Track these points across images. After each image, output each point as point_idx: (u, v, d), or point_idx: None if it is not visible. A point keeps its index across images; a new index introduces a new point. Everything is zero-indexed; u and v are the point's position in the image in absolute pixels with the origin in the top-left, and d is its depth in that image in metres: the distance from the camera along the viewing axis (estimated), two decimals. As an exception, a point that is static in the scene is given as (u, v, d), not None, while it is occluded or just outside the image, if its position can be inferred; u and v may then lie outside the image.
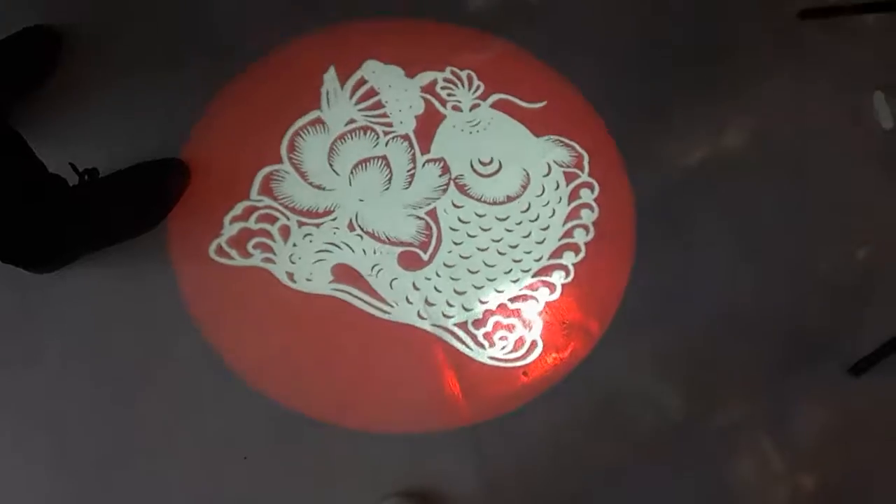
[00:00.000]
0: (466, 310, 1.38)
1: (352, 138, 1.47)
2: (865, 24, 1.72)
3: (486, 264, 1.41)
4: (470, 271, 1.41)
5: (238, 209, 1.39)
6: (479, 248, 1.43)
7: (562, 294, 1.41)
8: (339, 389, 1.31)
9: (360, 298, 1.36)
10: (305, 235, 1.39)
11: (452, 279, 1.40)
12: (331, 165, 1.44)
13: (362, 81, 1.51)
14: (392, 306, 1.36)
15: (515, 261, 1.42)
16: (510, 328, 1.38)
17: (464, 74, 1.54)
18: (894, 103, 1.62)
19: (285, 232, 1.39)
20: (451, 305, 1.38)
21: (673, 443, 1.35)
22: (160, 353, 1.30)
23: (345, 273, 1.37)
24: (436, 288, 1.39)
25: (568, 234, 1.45)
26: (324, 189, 1.43)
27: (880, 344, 1.39)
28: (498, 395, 1.34)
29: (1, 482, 1.22)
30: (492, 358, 1.36)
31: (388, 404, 1.32)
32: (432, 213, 1.44)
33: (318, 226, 1.40)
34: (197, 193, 1.39)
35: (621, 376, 1.39)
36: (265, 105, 1.47)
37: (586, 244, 1.45)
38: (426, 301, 1.38)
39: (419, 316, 1.37)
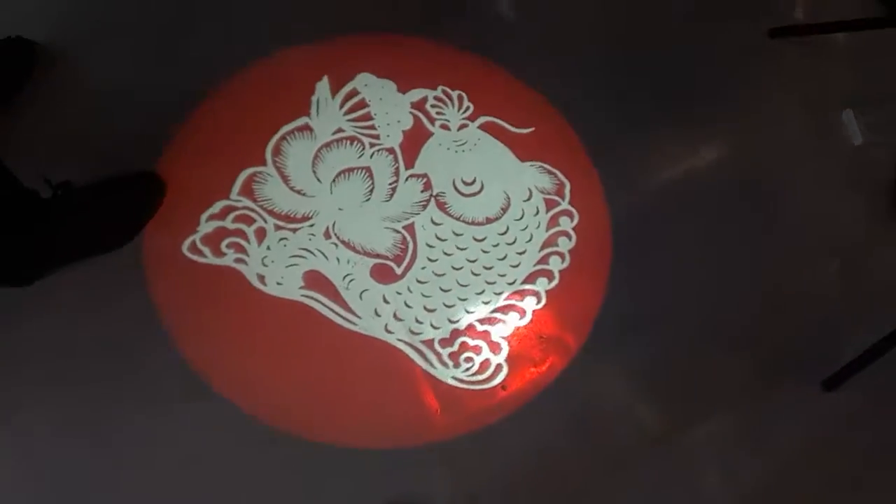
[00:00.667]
0: (434, 327, 1.37)
1: (338, 147, 1.47)
2: (835, 43, 1.76)
3: (459, 283, 1.41)
4: (442, 289, 1.40)
5: (216, 208, 1.39)
6: (453, 267, 1.42)
7: (532, 318, 1.41)
8: (306, 400, 1.30)
9: (328, 307, 1.35)
10: (281, 239, 1.39)
11: (424, 296, 1.39)
12: (314, 172, 1.45)
13: (354, 93, 1.52)
14: (359, 318, 1.35)
15: (489, 282, 1.42)
16: (477, 350, 1.37)
17: (455, 94, 1.55)
18: (863, 120, 1.65)
19: (261, 234, 1.39)
20: (419, 322, 1.38)
21: (650, 456, 1.35)
22: (130, 361, 1.27)
23: (316, 280, 1.37)
24: (406, 303, 1.38)
25: (543, 260, 1.45)
26: (304, 195, 1.43)
27: (852, 358, 1.39)
28: (476, 410, 1.33)
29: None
30: (455, 378, 1.34)
31: (359, 417, 1.31)
32: (410, 228, 1.44)
33: (294, 231, 1.40)
34: (173, 203, 1.38)
35: (598, 390, 1.38)
36: (253, 109, 1.48)
37: (561, 272, 1.44)
38: (395, 315, 1.37)
39: (386, 329, 1.36)
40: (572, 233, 1.47)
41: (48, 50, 1.44)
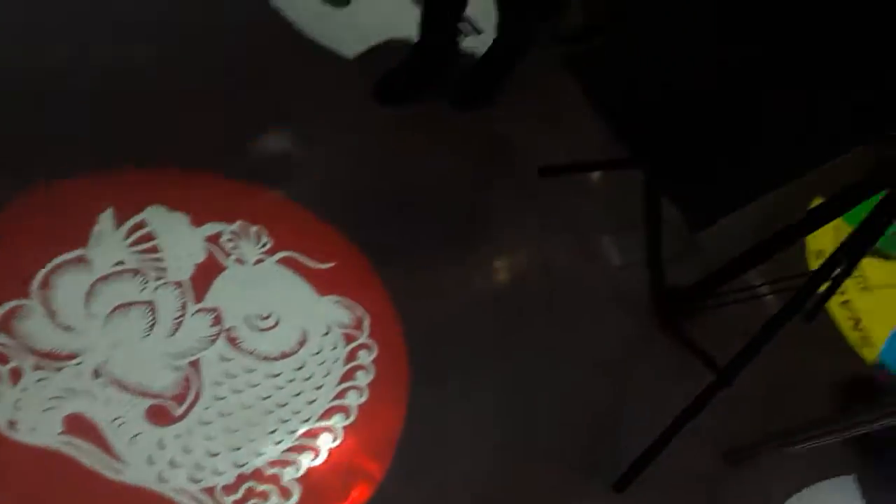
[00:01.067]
0: (218, 473, 1.24)
1: (117, 280, 1.36)
2: (593, 179, 1.99)
3: (248, 423, 1.29)
4: (229, 429, 1.28)
5: (-37, 346, 1.22)
6: (243, 405, 1.31)
7: (329, 456, 1.32)
8: None
9: (89, 454, 1.18)
10: (39, 380, 1.22)
11: (207, 438, 1.26)
12: (87, 307, 1.32)
13: (142, 224, 1.44)
14: (125, 464, 1.19)
15: (282, 420, 1.32)
16: (264, 496, 1.24)
17: (253, 230, 1.52)
18: (620, 245, 1.84)
19: (15, 375, 1.22)
20: (200, 468, 1.23)
21: None
22: None
23: (79, 424, 1.20)
24: (185, 448, 1.24)
25: (341, 395, 1.38)
26: (73, 330, 1.29)
27: (632, 460, 1.46)
28: None
29: None
30: (239, 530, 1.20)
31: None
32: (195, 364, 1.33)
33: (58, 370, 1.24)
34: None
35: None
36: (21, 239, 1.35)
37: (359, 406, 1.38)
38: (171, 462, 1.22)
39: (160, 478, 1.20)
40: (371, 366, 1.43)
41: None
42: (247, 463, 1.26)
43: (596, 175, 1.99)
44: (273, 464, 1.27)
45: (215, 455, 1.25)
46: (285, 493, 1.25)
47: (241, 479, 1.24)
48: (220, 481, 1.23)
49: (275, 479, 1.26)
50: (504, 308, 1.65)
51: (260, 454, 1.27)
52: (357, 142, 1.76)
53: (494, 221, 1.79)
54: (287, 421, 1.32)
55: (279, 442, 1.30)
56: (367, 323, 1.48)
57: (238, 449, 1.27)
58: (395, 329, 1.49)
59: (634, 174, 1.90)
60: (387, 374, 1.43)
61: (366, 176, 1.71)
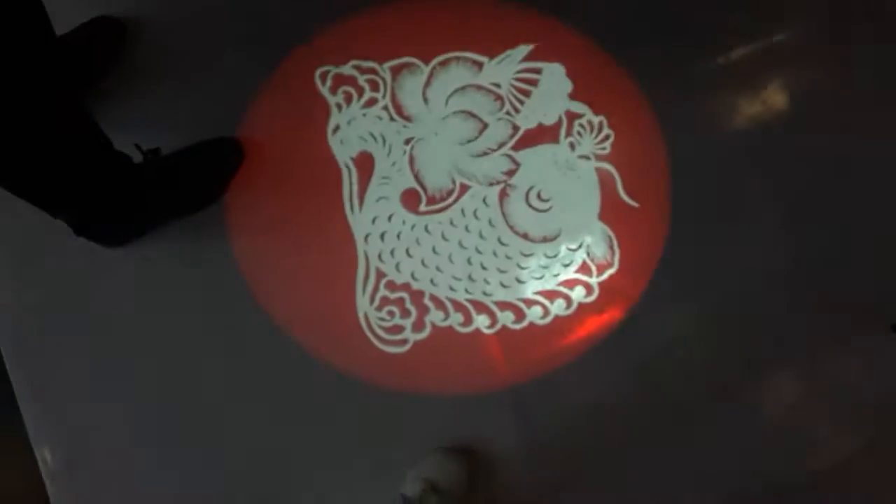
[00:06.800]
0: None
1: (483, 94, 1.53)
2: None
3: (450, 260, 1.44)
4: (434, 251, 1.45)
5: (363, 63, 1.54)
6: (460, 244, 1.44)
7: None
8: (410, 358, 1.39)
9: (347, 188, 1.47)
10: (378, 117, 1.50)
11: (433, 251, 1.45)
12: (447, 96, 1.52)
13: (537, 70, 1.55)
14: (358, 214, 1.46)
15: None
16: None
17: (604, 125, 1.51)
18: None
19: (369, 103, 1.51)
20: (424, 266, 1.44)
21: (714, 404, 1.36)
22: (219, 321, 1.39)
23: (364, 160, 1.48)
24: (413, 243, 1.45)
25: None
26: (425, 104, 1.52)
27: None
28: (538, 357, 1.39)
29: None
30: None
31: (453, 367, 1.39)
32: (464, 188, 1.47)
33: (391, 119, 1.50)
34: (253, 168, 1.47)
35: (660, 336, 1.39)
36: (447, 22, 1.58)
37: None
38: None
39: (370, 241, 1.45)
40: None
41: (135, 24, 1.52)
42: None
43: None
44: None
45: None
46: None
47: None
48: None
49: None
50: (778, 128, 1.51)
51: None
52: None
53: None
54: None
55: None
56: (617, 258, 1.44)
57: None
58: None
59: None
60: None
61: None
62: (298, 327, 1.38)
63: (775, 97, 1.55)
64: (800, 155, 1.50)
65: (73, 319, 1.38)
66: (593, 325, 1.39)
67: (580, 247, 1.44)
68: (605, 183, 1.48)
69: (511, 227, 1.45)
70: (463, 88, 1.54)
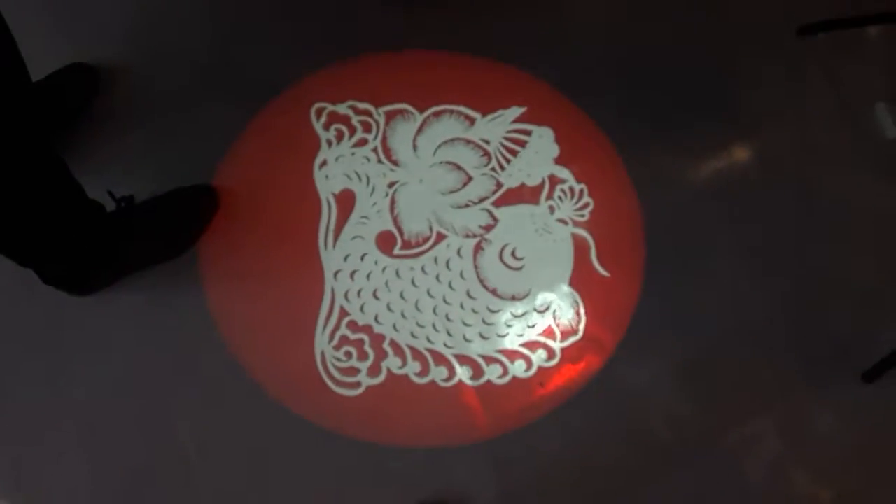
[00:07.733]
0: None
1: (472, 148, 1.55)
2: (864, 37, 1.77)
3: (420, 309, 1.43)
4: (414, 302, 1.44)
5: (355, 103, 1.57)
6: (428, 293, 1.44)
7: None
8: (362, 404, 1.36)
9: (326, 217, 1.48)
10: (367, 158, 1.52)
11: (387, 289, 1.44)
12: (436, 146, 1.55)
13: (527, 133, 1.58)
14: (330, 250, 1.46)
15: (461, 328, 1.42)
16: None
17: (584, 193, 1.52)
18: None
19: (359, 144, 1.53)
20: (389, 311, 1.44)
21: (690, 453, 1.37)
22: (189, 371, 1.35)
23: (345, 197, 1.49)
24: (381, 287, 1.45)
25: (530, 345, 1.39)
26: (413, 150, 1.54)
27: (891, 350, 1.38)
28: (515, 408, 1.37)
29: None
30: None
31: (408, 417, 1.36)
32: (440, 237, 1.48)
33: (378, 161, 1.52)
34: (228, 214, 1.46)
35: (636, 388, 1.40)
36: (437, 77, 1.63)
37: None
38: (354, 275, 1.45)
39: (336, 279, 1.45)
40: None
41: (108, 72, 1.53)
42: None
43: (873, 30, 1.76)
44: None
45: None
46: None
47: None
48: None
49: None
50: (746, 184, 1.58)
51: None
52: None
53: (742, 89, 1.67)
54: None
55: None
56: (582, 325, 1.43)
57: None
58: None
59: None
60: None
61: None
62: (259, 369, 1.35)
63: (751, 162, 1.62)
64: (775, 213, 1.56)
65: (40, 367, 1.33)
66: (569, 373, 1.39)
67: (547, 309, 1.44)
68: (580, 249, 1.48)
69: (482, 282, 1.45)
70: (453, 140, 1.56)
